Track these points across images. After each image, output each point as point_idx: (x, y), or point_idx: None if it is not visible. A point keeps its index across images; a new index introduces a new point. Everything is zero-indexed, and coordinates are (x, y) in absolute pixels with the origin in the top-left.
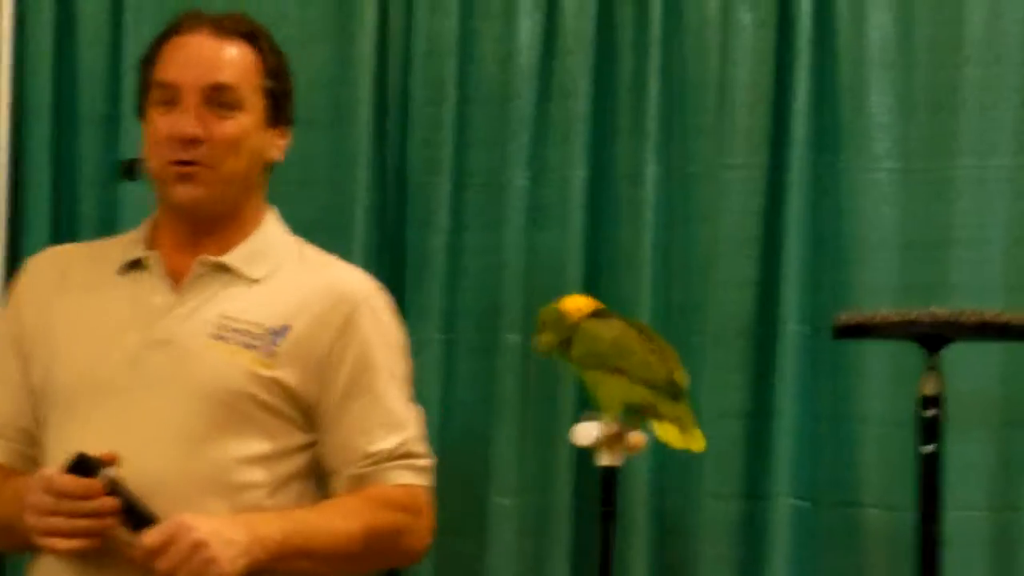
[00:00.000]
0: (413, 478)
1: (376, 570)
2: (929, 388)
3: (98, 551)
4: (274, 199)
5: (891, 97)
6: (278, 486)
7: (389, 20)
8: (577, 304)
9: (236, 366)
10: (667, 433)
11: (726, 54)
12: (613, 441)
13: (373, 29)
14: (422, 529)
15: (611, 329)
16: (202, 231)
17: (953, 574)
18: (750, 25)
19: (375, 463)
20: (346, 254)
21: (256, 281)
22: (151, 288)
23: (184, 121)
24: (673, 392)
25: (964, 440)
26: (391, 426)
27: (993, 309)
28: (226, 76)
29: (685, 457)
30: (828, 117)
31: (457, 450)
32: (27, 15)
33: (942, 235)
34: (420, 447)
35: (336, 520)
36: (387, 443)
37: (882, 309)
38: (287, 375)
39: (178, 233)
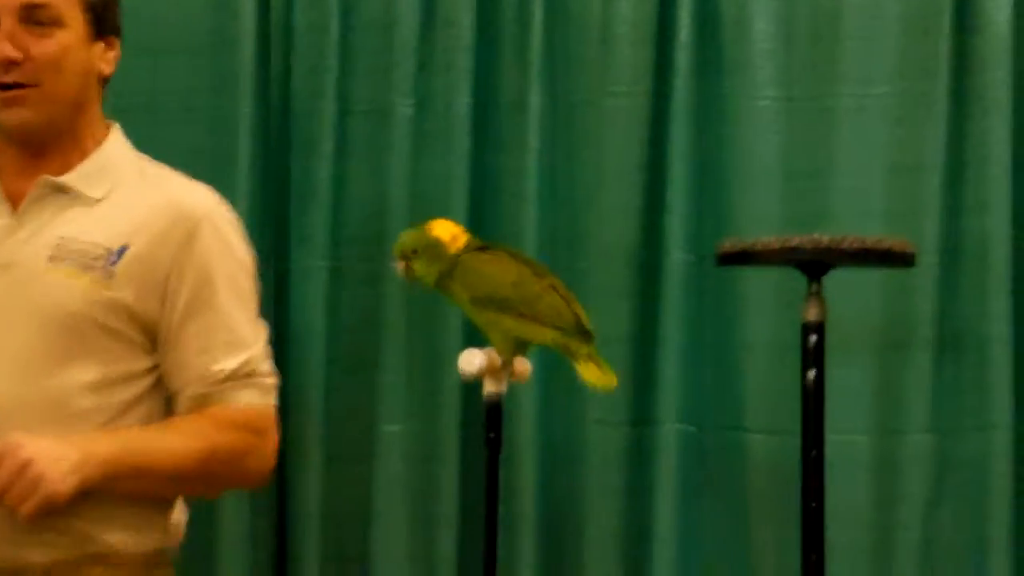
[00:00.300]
0: (258, 397)
1: (220, 491)
2: (811, 314)
3: None
4: (157, 127)
5: (773, 25)
6: (122, 411)
7: None
8: (450, 231)
9: (73, 288)
10: (590, 373)
11: None
12: (499, 369)
13: None
14: (266, 450)
15: (506, 270)
16: (38, 153)
17: (836, 497)
18: None
19: (218, 382)
20: (230, 182)
21: (97, 201)
22: None
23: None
24: (582, 332)
25: (846, 365)
26: (234, 344)
27: (874, 235)
28: None
29: (570, 384)
30: (711, 45)
31: (344, 378)
32: None
33: (824, 163)
34: (265, 366)
35: (175, 439)
36: (230, 362)
37: (764, 236)
38: (126, 295)
39: (15, 157)
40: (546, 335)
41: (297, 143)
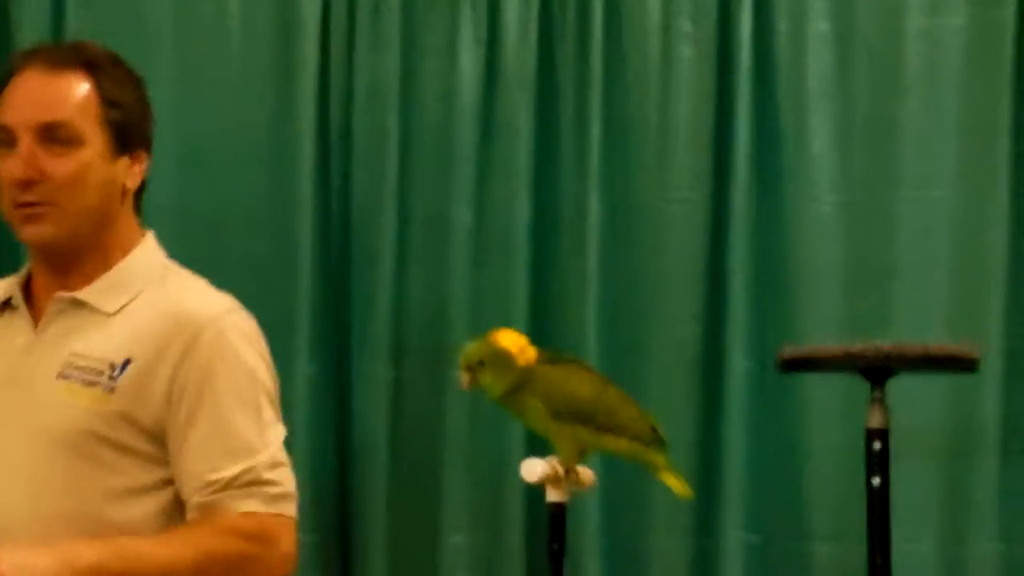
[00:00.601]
0: (260, 505)
1: None
2: (874, 421)
3: None
4: (220, 237)
5: (831, 130)
6: (146, 523)
7: (331, 57)
8: (517, 343)
9: (74, 405)
10: (672, 482)
11: (667, 90)
12: (562, 478)
13: (315, 67)
14: (274, 558)
15: (585, 381)
16: (62, 268)
17: None
18: (690, 60)
19: (218, 490)
20: (292, 292)
21: (111, 315)
22: (16, 328)
23: (16, 164)
24: (659, 441)
25: (911, 472)
26: (235, 452)
27: (935, 341)
28: (57, 113)
29: (634, 492)
30: (769, 151)
31: (408, 488)
32: None
33: (884, 267)
34: (272, 474)
35: (167, 547)
36: (230, 470)
37: (827, 342)
38: (130, 408)
39: (42, 271)
40: (623, 446)
41: (357, 252)
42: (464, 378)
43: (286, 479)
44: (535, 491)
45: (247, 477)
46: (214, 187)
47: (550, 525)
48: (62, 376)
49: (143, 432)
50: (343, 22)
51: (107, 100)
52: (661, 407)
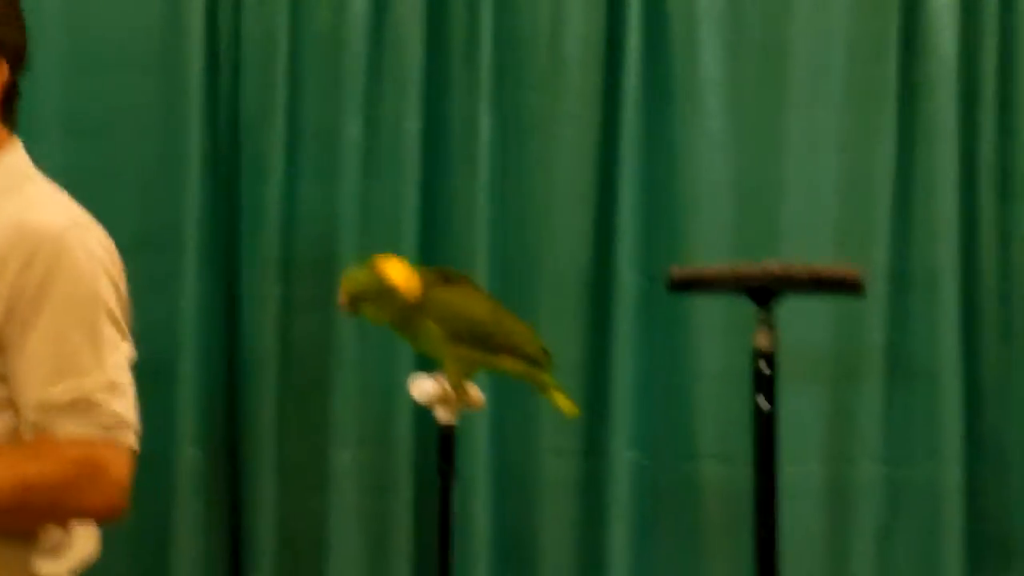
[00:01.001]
0: (90, 430)
1: (54, 522)
2: (762, 342)
3: None
4: (106, 147)
5: (722, 51)
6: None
7: None
8: (404, 275)
9: None
10: (562, 402)
11: (558, 6)
12: (452, 397)
13: None
14: (103, 485)
15: (480, 303)
16: None
17: (790, 526)
18: None
19: (44, 411)
20: (179, 204)
21: None
22: None
23: None
24: (546, 361)
25: (798, 394)
26: (64, 371)
27: (823, 263)
28: None
29: (523, 413)
30: (659, 71)
31: (297, 404)
32: None
33: (772, 188)
34: (107, 397)
35: None
36: (57, 389)
37: (716, 261)
38: None
39: None
40: (517, 366)
41: (247, 164)
42: (344, 303)
43: (124, 405)
44: (424, 409)
45: (74, 397)
46: (101, 96)
47: (439, 446)
48: None
49: None
50: None
51: None
52: (550, 326)
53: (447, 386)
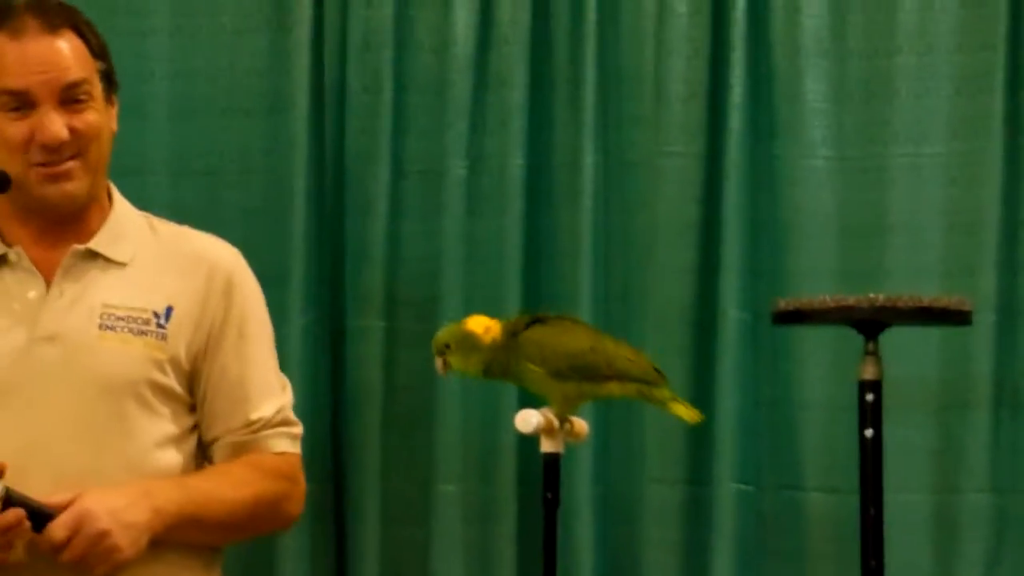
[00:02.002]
0: (290, 446)
1: (258, 535)
2: (868, 373)
3: (17, 560)
4: (214, 187)
5: (825, 85)
6: (179, 470)
7: (324, 9)
8: (483, 324)
9: (128, 354)
10: (682, 411)
11: (661, 43)
12: (555, 428)
13: (309, 18)
14: (299, 495)
15: (578, 336)
16: (64, 221)
17: (895, 556)
18: (685, 13)
19: (256, 430)
20: (286, 243)
21: (125, 264)
22: (21, 283)
23: (52, 126)
24: (658, 378)
25: (904, 424)
26: (269, 393)
27: (929, 294)
28: (74, 73)
29: (627, 443)
30: (764, 105)
31: (401, 438)
32: None
33: (878, 221)
34: (292, 414)
35: (227, 489)
36: (266, 410)
37: (820, 295)
38: (179, 353)
39: (38, 227)
40: (629, 389)
41: (351, 203)
42: (439, 363)
43: (297, 419)
44: (528, 441)
45: (279, 417)
46: (208, 138)
47: (544, 475)
48: (106, 327)
49: (184, 377)
50: None
51: (95, 53)
52: (655, 359)
53: (553, 419)
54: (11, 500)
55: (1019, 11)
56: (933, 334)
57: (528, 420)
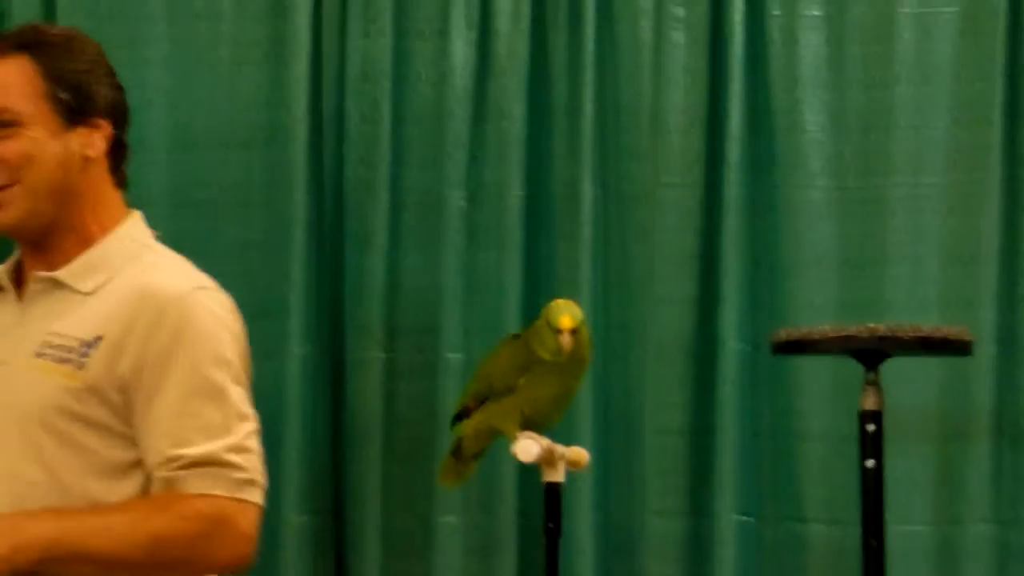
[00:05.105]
0: (220, 488)
1: None
2: (869, 403)
3: None
4: (213, 219)
5: (824, 116)
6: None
7: (323, 41)
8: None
9: (45, 382)
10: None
11: (659, 75)
12: (555, 457)
13: (307, 50)
14: (231, 539)
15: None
16: (40, 248)
17: None
18: (683, 45)
19: (177, 468)
20: (285, 273)
21: (87, 294)
22: (3, 309)
23: None
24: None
25: (905, 455)
26: (194, 434)
27: (929, 324)
28: None
29: (628, 474)
30: (762, 136)
31: (401, 469)
32: None
33: (877, 252)
34: (236, 457)
35: (120, 524)
36: (189, 449)
37: (820, 325)
38: (100, 383)
39: (26, 253)
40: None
41: (350, 234)
42: (567, 340)
43: (252, 464)
44: (528, 471)
45: (206, 458)
46: (207, 170)
47: (546, 505)
48: (38, 355)
49: (113, 409)
50: (335, 5)
51: (51, 75)
52: (655, 390)
53: (553, 447)
54: None
55: (1017, 42)
56: (933, 364)
57: (528, 449)
